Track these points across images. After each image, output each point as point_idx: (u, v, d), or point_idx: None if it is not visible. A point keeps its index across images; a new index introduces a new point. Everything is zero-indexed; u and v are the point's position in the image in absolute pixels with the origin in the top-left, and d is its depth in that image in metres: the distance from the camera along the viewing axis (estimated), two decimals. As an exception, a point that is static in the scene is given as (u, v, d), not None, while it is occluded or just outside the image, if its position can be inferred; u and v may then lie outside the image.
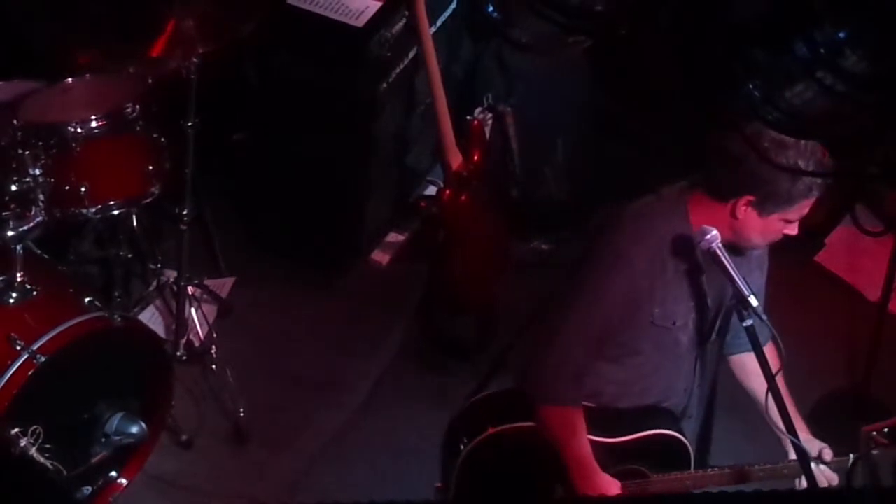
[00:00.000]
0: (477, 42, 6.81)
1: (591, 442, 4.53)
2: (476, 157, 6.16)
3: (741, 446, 5.12)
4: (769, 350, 4.69)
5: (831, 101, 6.85)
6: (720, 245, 4.31)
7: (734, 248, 4.39)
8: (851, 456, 4.52)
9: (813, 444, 4.57)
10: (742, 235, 4.37)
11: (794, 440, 4.45)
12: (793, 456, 4.58)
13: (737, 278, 4.29)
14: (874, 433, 4.58)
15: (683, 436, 4.65)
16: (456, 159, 6.09)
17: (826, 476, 4.55)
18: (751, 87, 6.95)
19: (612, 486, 4.50)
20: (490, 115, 6.49)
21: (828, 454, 4.57)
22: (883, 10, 6.48)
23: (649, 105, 6.69)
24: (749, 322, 4.29)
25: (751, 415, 4.81)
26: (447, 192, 6.14)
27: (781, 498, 2.42)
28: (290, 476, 5.77)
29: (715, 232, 4.32)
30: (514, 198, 6.65)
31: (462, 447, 4.64)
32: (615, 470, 4.56)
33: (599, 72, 6.89)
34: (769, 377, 4.32)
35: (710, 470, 4.66)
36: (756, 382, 4.70)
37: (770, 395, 4.57)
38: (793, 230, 4.36)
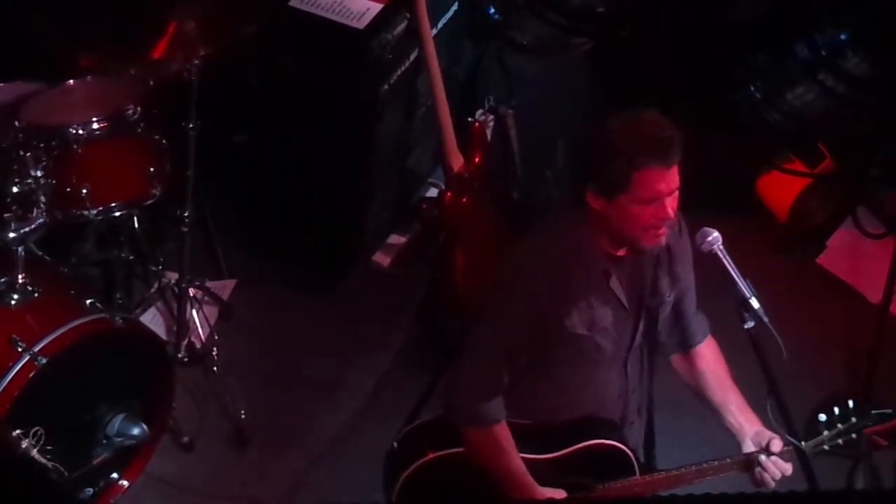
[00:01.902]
0: (478, 44, 6.81)
1: (529, 460, 4.50)
2: (477, 159, 6.16)
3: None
4: (709, 345, 4.71)
5: (832, 103, 6.88)
6: (721, 247, 4.31)
7: (633, 249, 4.36)
8: (804, 444, 4.48)
9: (763, 436, 4.55)
10: (614, 230, 4.30)
11: (797, 443, 4.45)
12: (745, 450, 4.57)
13: (738, 281, 4.28)
14: (875, 435, 4.59)
15: (624, 443, 4.61)
16: (457, 161, 6.09)
17: (779, 467, 4.51)
18: (752, 88, 6.98)
19: (556, 497, 4.49)
20: (491, 117, 6.49)
21: (776, 445, 4.53)
22: (884, 11, 6.49)
23: (650, 107, 6.69)
24: (750, 324, 4.28)
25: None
26: (448, 194, 6.14)
27: (782, 499, 2.42)
28: (291, 478, 5.77)
29: (716, 234, 4.32)
30: (515, 200, 6.65)
31: (402, 472, 4.59)
32: (557, 485, 4.53)
33: (600, 74, 6.89)
34: (769, 376, 4.32)
35: (656, 474, 4.62)
36: (702, 380, 4.69)
37: (728, 389, 4.65)
38: (663, 212, 4.21)
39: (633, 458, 4.62)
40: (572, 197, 4.40)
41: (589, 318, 4.42)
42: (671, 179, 4.20)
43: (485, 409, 4.46)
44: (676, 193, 4.25)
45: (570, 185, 6.63)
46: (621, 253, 4.39)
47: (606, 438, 4.59)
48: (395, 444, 4.74)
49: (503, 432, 4.48)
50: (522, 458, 4.49)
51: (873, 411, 4.57)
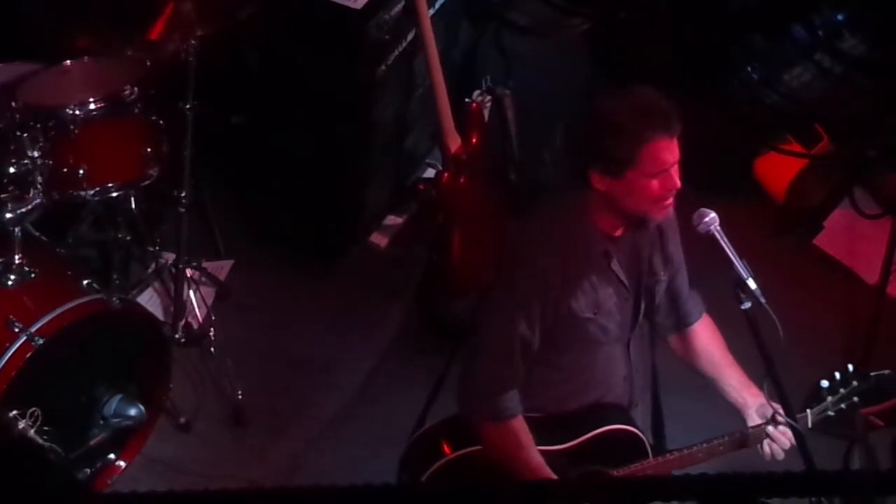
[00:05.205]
0: (476, 25, 6.80)
1: (545, 452, 4.50)
2: (474, 140, 6.16)
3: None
4: (705, 323, 4.73)
5: (829, 84, 6.87)
6: (719, 228, 4.31)
7: (637, 223, 4.36)
8: (808, 412, 4.53)
9: (767, 409, 4.57)
10: (622, 206, 4.30)
11: (793, 422, 4.47)
12: (750, 423, 4.58)
13: (735, 262, 4.28)
14: (871, 416, 4.60)
15: (635, 426, 4.63)
16: (454, 142, 6.09)
17: (787, 436, 4.53)
18: (749, 69, 6.97)
19: None
20: (489, 98, 6.49)
21: (781, 415, 4.56)
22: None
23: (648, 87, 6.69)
24: (747, 305, 4.29)
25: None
26: (446, 174, 6.13)
27: (779, 479, 2.42)
28: (289, 458, 5.78)
29: (713, 215, 4.32)
30: (512, 181, 6.65)
31: (422, 475, 4.56)
32: (574, 475, 4.53)
33: (598, 55, 6.88)
34: (766, 357, 4.32)
35: (669, 455, 4.62)
36: (701, 358, 4.71)
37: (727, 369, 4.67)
38: (671, 182, 4.24)
39: (645, 441, 4.63)
40: (572, 179, 4.40)
41: (594, 300, 4.42)
42: (675, 149, 4.23)
43: (503, 402, 4.44)
44: (677, 165, 4.27)
45: (570, 167, 6.67)
46: (619, 233, 4.39)
47: (618, 423, 4.60)
48: (408, 450, 4.72)
49: (521, 426, 4.47)
50: (539, 451, 4.49)
51: (871, 373, 4.60)
